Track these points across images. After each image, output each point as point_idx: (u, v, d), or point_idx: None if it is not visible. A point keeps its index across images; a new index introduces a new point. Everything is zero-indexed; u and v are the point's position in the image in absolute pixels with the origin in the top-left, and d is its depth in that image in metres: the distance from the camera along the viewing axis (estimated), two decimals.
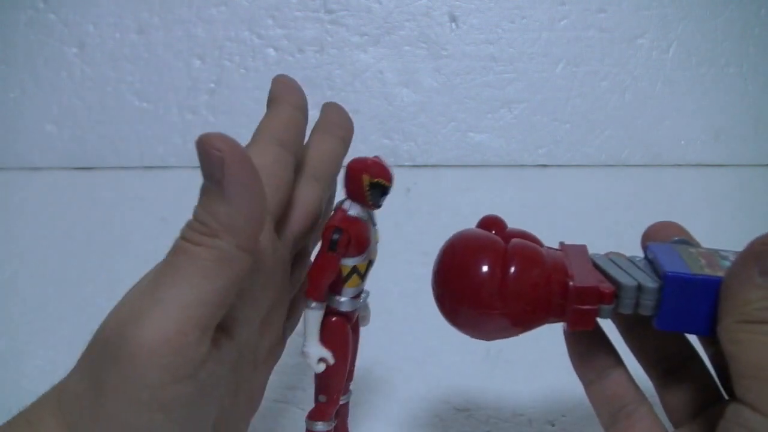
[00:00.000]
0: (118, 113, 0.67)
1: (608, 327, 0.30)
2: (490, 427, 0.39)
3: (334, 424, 0.31)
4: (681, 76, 0.67)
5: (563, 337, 0.30)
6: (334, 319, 0.29)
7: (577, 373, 0.30)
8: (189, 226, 0.23)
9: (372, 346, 0.45)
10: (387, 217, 0.59)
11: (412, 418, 0.39)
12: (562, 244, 0.29)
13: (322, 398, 0.30)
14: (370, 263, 0.29)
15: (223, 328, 0.24)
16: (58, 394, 0.23)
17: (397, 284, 0.49)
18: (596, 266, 0.27)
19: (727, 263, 0.25)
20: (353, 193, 0.28)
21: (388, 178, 0.28)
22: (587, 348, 0.29)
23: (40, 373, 0.43)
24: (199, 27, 0.66)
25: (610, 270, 0.27)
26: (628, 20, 0.66)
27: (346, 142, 0.32)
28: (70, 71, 0.67)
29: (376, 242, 0.30)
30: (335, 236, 0.27)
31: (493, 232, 0.28)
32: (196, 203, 0.23)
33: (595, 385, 0.29)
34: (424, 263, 0.53)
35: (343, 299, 0.29)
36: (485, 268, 0.26)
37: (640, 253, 0.29)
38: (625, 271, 0.26)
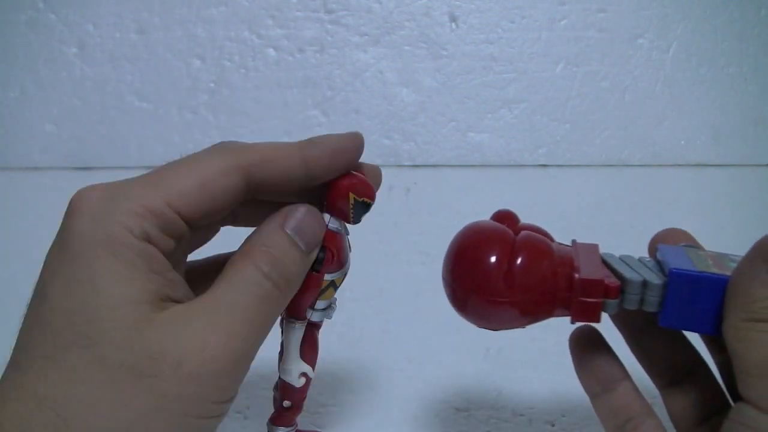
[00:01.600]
0: (118, 113, 0.67)
1: (613, 337, 0.30)
2: (490, 427, 0.39)
3: (294, 429, 0.31)
4: (681, 76, 0.67)
5: (568, 348, 0.30)
6: (308, 331, 0.29)
7: (582, 386, 0.29)
8: (272, 264, 0.25)
9: (372, 346, 0.45)
10: (387, 217, 0.60)
11: (412, 418, 0.39)
12: (574, 241, 0.29)
13: (287, 404, 0.30)
14: (344, 276, 0.30)
15: None
16: (58, 402, 0.22)
17: (397, 284, 0.49)
18: (605, 263, 0.28)
19: (734, 265, 0.25)
20: (336, 209, 0.28)
21: (373, 197, 0.28)
22: (593, 360, 0.29)
23: None
24: (199, 27, 0.66)
25: (618, 267, 0.27)
26: (628, 20, 0.66)
27: None
28: (70, 71, 0.67)
29: (350, 252, 0.30)
30: (320, 255, 0.27)
31: (506, 225, 0.28)
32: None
33: (601, 397, 0.29)
34: (424, 263, 0.53)
35: (315, 311, 0.29)
36: (494, 258, 0.26)
37: (640, 254, 0.29)
38: (632, 269, 0.27)
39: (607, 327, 0.30)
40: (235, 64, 0.66)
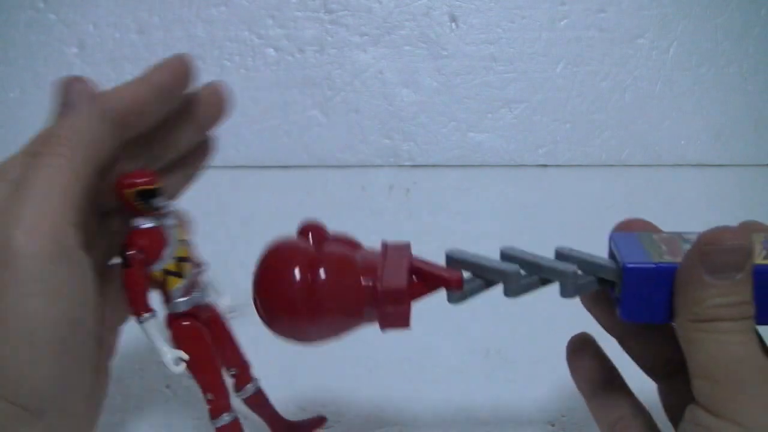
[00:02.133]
0: None
1: (607, 336, 0.30)
2: (490, 427, 0.39)
3: (235, 415, 0.31)
4: (681, 76, 0.67)
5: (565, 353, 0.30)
6: (181, 323, 0.29)
7: (578, 388, 0.30)
8: (33, 144, 0.27)
9: (371, 346, 0.45)
10: (387, 217, 0.60)
11: (412, 418, 0.39)
12: (383, 243, 0.29)
13: (210, 396, 0.30)
14: (181, 260, 0.29)
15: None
16: None
17: None
18: (460, 260, 0.28)
19: (689, 246, 0.24)
20: (127, 210, 0.28)
21: (145, 181, 0.28)
22: (586, 363, 0.30)
23: None
24: (199, 27, 0.66)
25: (473, 260, 0.27)
26: (628, 20, 0.66)
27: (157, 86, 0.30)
28: (70, 71, 0.67)
29: (183, 239, 0.30)
30: (126, 253, 0.28)
31: (313, 237, 0.28)
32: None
33: (594, 398, 0.29)
34: None
35: (176, 302, 0.29)
36: (295, 276, 0.26)
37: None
38: (506, 262, 0.27)
39: (601, 330, 0.30)
40: (235, 64, 0.66)
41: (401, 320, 0.27)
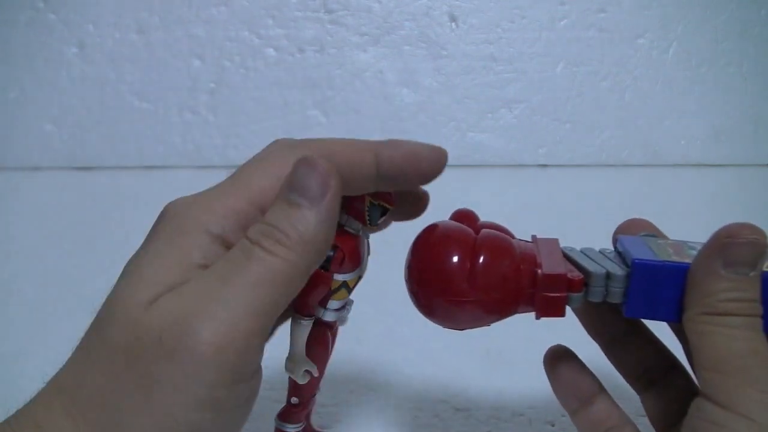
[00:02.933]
0: (118, 113, 0.67)
1: (589, 347, 0.30)
2: (490, 427, 0.39)
3: (303, 426, 0.31)
4: (681, 76, 0.67)
5: (544, 370, 0.30)
6: (317, 329, 0.29)
7: (561, 403, 0.30)
8: (263, 232, 0.23)
9: (372, 346, 0.44)
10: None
11: (412, 418, 0.39)
12: (534, 237, 0.29)
13: (295, 400, 0.30)
14: (359, 278, 0.30)
15: None
16: (70, 390, 0.22)
17: (397, 284, 0.49)
18: (567, 257, 0.28)
19: (695, 252, 0.25)
20: (353, 210, 0.28)
21: (391, 202, 0.28)
22: (567, 377, 0.29)
23: (39, 373, 0.43)
24: (199, 27, 0.66)
25: (580, 260, 0.27)
26: (628, 20, 0.66)
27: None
28: (70, 71, 0.67)
29: (368, 256, 0.30)
30: (330, 253, 0.27)
31: (466, 224, 0.28)
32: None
33: (580, 412, 0.29)
34: None
35: (327, 311, 0.29)
36: (455, 258, 0.26)
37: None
38: (594, 261, 0.27)
39: (579, 340, 0.30)
40: (235, 64, 0.66)
41: (558, 308, 0.26)
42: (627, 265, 0.26)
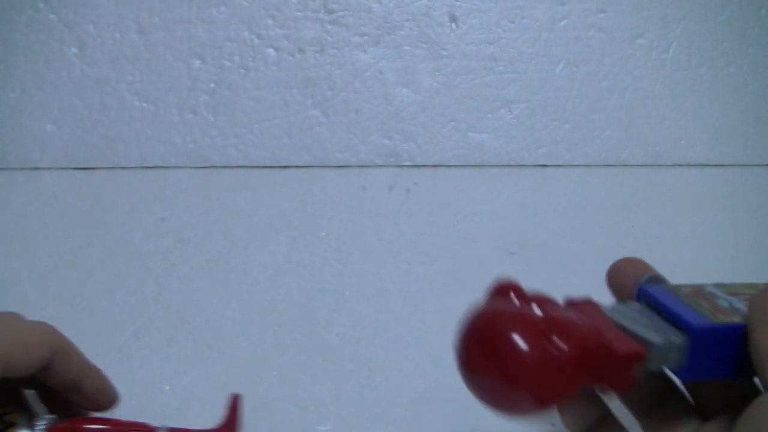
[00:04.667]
0: (118, 113, 0.67)
1: None
2: (490, 426, 0.39)
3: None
4: (681, 76, 0.67)
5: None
6: None
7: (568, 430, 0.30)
8: None
9: (372, 346, 0.44)
10: (387, 218, 0.60)
11: (412, 418, 0.39)
12: (569, 299, 0.28)
13: None
14: None
15: None
16: None
17: (397, 284, 0.49)
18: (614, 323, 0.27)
19: (724, 302, 0.25)
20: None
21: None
22: (576, 403, 0.29)
23: None
24: (199, 27, 0.66)
25: (631, 326, 0.26)
26: (628, 20, 0.66)
27: None
28: (70, 71, 0.67)
29: None
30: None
31: (515, 296, 0.26)
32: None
33: None
34: (424, 263, 0.53)
35: None
36: (526, 344, 0.24)
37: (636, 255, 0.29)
38: (644, 327, 0.26)
39: None
40: (235, 64, 0.66)
41: (629, 384, 0.25)
42: (676, 326, 0.25)
